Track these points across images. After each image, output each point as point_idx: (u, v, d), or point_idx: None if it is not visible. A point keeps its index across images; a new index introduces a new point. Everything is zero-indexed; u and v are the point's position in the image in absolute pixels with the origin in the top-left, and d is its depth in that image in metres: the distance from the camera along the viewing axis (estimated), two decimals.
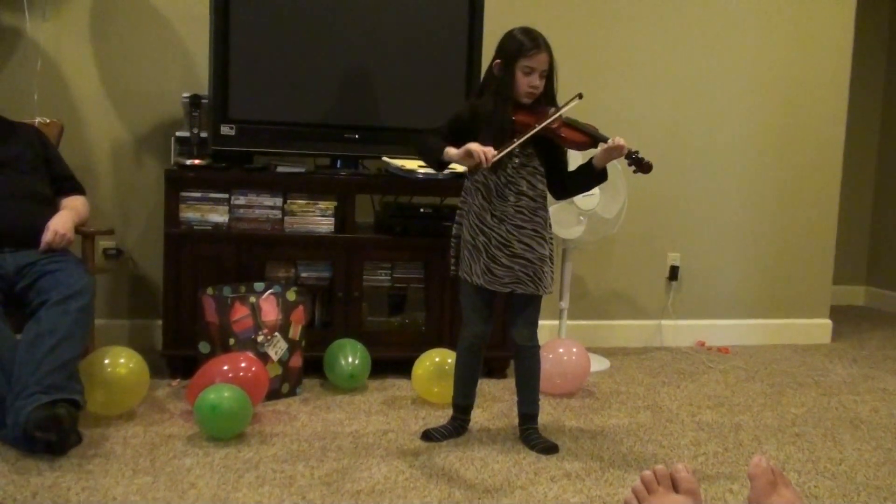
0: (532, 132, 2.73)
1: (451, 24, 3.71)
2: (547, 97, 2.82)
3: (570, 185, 2.98)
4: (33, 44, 3.72)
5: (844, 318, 5.19)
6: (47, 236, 2.95)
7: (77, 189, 3.28)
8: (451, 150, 2.72)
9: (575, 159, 3.23)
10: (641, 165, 2.74)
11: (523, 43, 2.75)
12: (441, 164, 2.81)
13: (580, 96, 2.77)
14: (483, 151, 2.64)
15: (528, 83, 2.76)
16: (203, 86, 3.71)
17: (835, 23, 4.64)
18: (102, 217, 3.76)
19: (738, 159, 4.59)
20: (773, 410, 3.47)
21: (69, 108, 3.78)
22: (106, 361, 2.94)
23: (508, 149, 2.72)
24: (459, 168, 3.47)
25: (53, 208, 3.11)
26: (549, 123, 2.75)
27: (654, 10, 4.39)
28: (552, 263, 2.89)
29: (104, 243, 3.81)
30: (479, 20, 3.69)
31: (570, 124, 2.81)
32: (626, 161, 2.77)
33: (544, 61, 2.76)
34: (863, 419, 3.40)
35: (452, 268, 2.94)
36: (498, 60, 2.80)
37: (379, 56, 3.67)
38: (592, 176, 2.87)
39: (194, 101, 3.55)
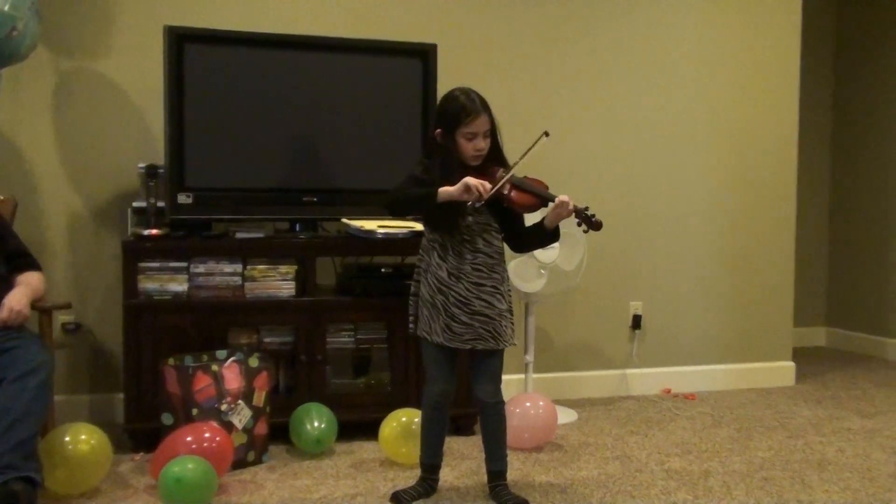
0: (505, 179, 2.75)
1: (405, 86, 3.77)
2: (494, 154, 2.85)
3: (526, 241, 3.01)
4: None
5: (807, 360, 5.24)
6: (2, 314, 2.90)
7: (32, 265, 3.24)
8: (447, 189, 2.72)
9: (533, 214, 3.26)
10: (591, 223, 2.77)
11: (462, 107, 2.75)
12: (433, 208, 2.78)
13: (546, 134, 2.79)
14: (480, 184, 2.68)
15: (472, 147, 2.79)
16: (159, 156, 3.70)
17: (781, 72, 4.76)
18: (60, 291, 3.71)
19: (695, 207, 4.67)
20: (741, 455, 3.48)
21: (24, 182, 3.75)
22: (66, 439, 2.88)
23: (500, 184, 2.74)
24: (418, 226, 3.50)
25: (8, 286, 3.07)
26: (500, 188, 2.76)
27: (606, 63, 4.48)
28: (512, 316, 2.90)
29: (63, 318, 3.76)
30: (432, 80, 3.76)
31: (519, 186, 2.82)
32: (575, 219, 2.81)
33: (485, 122, 2.78)
34: (829, 460, 3.42)
35: (411, 326, 2.93)
36: (438, 130, 2.82)
37: (334, 119, 3.71)
38: (544, 235, 2.90)
39: (150, 171, 3.55)
